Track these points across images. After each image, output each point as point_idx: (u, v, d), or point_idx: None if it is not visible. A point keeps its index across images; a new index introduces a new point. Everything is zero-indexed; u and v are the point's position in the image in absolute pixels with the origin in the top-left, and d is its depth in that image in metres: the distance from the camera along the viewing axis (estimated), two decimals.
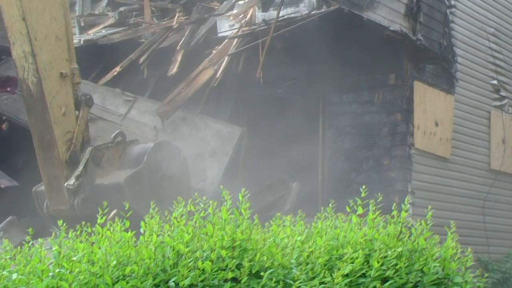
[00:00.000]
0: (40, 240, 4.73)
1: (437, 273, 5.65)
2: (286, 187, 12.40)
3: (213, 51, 12.79)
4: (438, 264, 5.66)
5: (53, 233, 4.81)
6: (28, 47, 9.40)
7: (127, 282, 4.61)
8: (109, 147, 10.24)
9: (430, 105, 12.91)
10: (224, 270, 4.89)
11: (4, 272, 4.17)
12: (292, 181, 12.43)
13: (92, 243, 4.91)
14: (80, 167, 9.71)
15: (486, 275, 6.11)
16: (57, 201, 9.79)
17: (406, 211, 5.79)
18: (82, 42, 13.96)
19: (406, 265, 5.51)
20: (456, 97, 13.74)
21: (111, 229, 5.01)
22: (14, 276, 4.30)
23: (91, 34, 14.70)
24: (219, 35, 13.17)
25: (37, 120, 9.72)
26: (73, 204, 9.62)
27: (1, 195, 11.88)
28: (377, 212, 5.76)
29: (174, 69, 12.93)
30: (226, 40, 12.86)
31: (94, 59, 14.15)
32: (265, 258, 5.04)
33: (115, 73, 13.62)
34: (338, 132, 13.22)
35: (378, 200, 5.82)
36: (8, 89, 13.37)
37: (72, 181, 9.60)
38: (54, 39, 9.67)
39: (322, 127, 13.50)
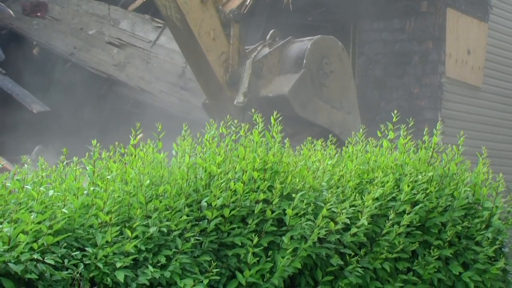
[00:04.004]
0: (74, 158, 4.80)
1: (467, 198, 5.66)
2: None
3: None
4: (468, 189, 5.66)
5: (87, 154, 4.85)
6: None
7: (160, 202, 4.67)
8: (267, 56, 10.11)
9: (462, 33, 12.72)
10: (256, 191, 4.93)
11: (41, 188, 4.26)
12: None
13: (125, 163, 4.96)
14: (246, 83, 9.72)
15: None
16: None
17: (437, 136, 5.77)
18: None
19: (436, 189, 5.52)
20: (490, 24, 13.50)
21: (144, 150, 5.06)
22: (51, 192, 4.38)
23: None
24: None
25: (190, 51, 9.76)
26: (243, 120, 9.75)
27: (33, 120, 12.02)
28: (408, 137, 5.75)
29: None
30: None
31: None
32: (296, 180, 5.07)
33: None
34: (369, 60, 13.11)
35: (410, 125, 5.80)
36: (39, 14, 13.37)
37: (241, 98, 9.65)
38: None
39: (352, 55, 13.39)
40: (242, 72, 9.80)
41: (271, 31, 10.49)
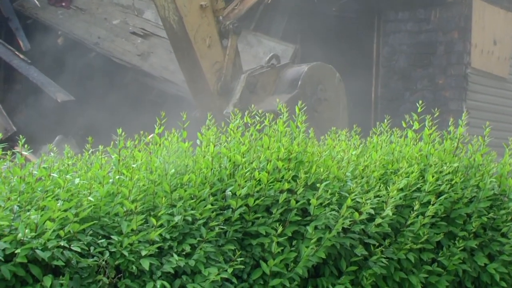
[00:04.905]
0: (100, 147, 4.83)
1: (493, 189, 5.62)
2: None
3: None
4: (494, 180, 5.62)
5: (112, 142, 4.88)
6: None
7: (185, 190, 4.68)
8: (263, 73, 10.23)
9: (489, 23, 12.60)
10: (280, 181, 4.93)
11: (67, 176, 4.28)
12: None
13: (150, 152, 4.98)
14: (237, 95, 9.78)
15: None
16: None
17: (463, 127, 5.72)
18: None
19: (461, 180, 5.49)
20: None
21: (169, 139, 5.07)
22: (77, 180, 4.41)
23: None
24: None
25: (184, 55, 9.82)
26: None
27: (58, 109, 12.09)
28: (433, 128, 5.71)
29: None
30: None
31: None
32: (321, 170, 5.05)
33: None
34: (393, 51, 13.04)
35: (435, 115, 5.76)
36: (63, 4, 13.44)
37: (230, 108, 9.66)
38: None
39: (377, 46, 13.32)
40: (236, 84, 9.83)
41: (271, 54, 10.62)
